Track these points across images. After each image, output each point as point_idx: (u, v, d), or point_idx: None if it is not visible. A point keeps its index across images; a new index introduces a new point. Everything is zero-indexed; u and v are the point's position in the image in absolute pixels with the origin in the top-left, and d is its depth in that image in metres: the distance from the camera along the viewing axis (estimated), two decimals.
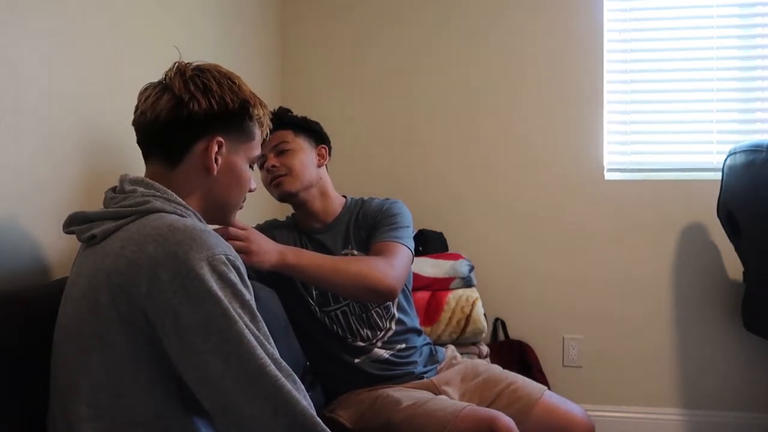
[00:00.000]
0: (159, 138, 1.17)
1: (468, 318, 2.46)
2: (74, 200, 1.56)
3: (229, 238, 1.44)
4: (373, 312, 1.88)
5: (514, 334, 2.86)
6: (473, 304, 2.49)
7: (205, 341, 0.96)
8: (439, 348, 2.04)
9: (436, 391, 1.85)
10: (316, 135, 1.93)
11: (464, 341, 2.49)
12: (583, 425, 1.82)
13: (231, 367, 0.96)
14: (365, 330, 1.87)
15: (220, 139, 1.17)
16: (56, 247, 1.49)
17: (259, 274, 1.78)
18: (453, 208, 2.92)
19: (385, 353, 1.86)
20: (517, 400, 1.82)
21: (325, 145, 1.94)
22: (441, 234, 2.81)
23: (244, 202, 1.30)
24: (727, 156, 2.45)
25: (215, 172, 1.18)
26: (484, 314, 2.54)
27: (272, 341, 1.04)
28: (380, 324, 1.89)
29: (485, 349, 2.52)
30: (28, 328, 1.14)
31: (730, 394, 2.76)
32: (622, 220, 2.83)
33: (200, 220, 1.17)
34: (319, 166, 1.90)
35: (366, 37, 3.00)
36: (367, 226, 1.88)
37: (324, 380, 1.92)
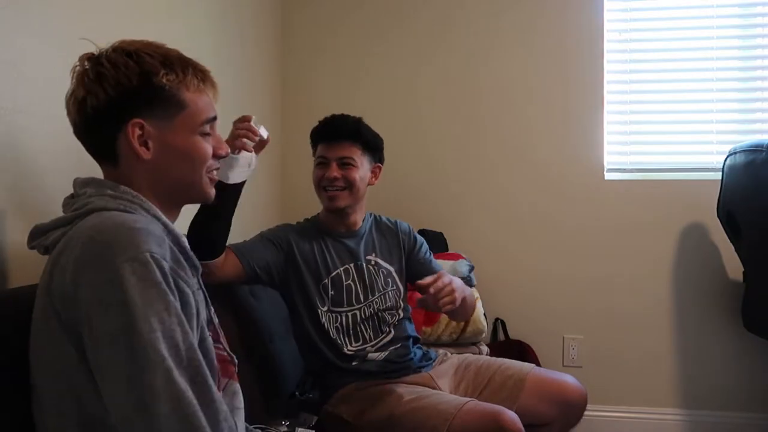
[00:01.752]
0: (86, 144, 1.13)
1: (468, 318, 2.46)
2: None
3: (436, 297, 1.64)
4: (386, 314, 1.94)
5: (514, 334, 2.86)
6: (473, 305, 2.48)
7: (111, 355, 0.91)
8: (430, 350, 2.08)
9: (434, 385, 1.88)
10: (378, 154, 2.02)
11: (464, 341, 2.49)
12: (576, 390, 1.87)
13: (135, 388, 0.90)
14: (368, 332, 1.91)
15: (137, 121, 1.08)
16: None
17: (271, 276, 1.85)
18: (453, 208, 2.92)
19: (380, 355, 1.90)
20: (509, 378, 1.87)
21: (380, 165, 2.02)
22: (441, 234, 2.81)
23: (216, 170, 1.21)
24: (727, 156, 2.45)
25: (150, 157, 1.10)
26: (484, 314, 2.54)
27: (200, 345, 0.99)
28: (383, 329, 1.93)
29: (485, 349, 2.51)
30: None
31: (730, 394, 2.76)
32: (621, 220, 2.83)
33: (147, 211, 1.08)
34: (370, 184, 1.99)
35: (367, 37, 3.00)
36: (395, 244, 2.04)
37: (324, 377, 1.94)
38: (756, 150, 2.24)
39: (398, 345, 1.93)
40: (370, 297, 1.92)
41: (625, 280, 2.83)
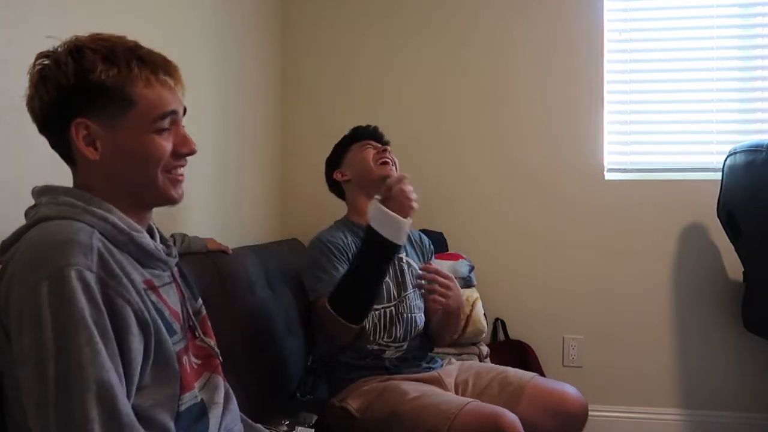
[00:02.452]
0: (50, 144, 1.09)
1: (468, 318, 2.46)
2: None
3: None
4: (416, 316, 1.99)
5: (514, 334, 2.86)
6: (473, 305, 2.49)
7: (25, 374, 0.89)
8: (436, 356, 2.11)
9: (442, 383, 1.90)
10: None
11: (464, 342, 2.48)
12: (577, 401, 1.84)
13: (40, 415, 0.87)
14: (399, 332, 1.95)
15: (81, 121, 1.03)
16: None
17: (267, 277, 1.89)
18: (453, 208, 2.92)
19: (395, 353, 1.94)
20: (508, 384, 1.87)
21: None
22: (441, 234, 2.81)
23: (181, 169, 1.12)
24: (727, 156, 2.45)
25: (98, 158, 1.04)
26: (484, 314, 2.54)
27: (157, 347, 0.98)
28: (412, 333, 1.98)
29: (485, 350, 2.52)
30: None
31: (730, 394, 2.76)
32: (622, 220, 2.83)
33: (93, 215, 1.02)
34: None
35: (366, 38, 3.00)
36: (420, 252, 2.14)
37: (333, 370, 1.96)
38: (756, 150, 2.24)
39: (416, 347, 1.99)
40: (402, 293, 1.97)
41: (625, 279, 2.83)
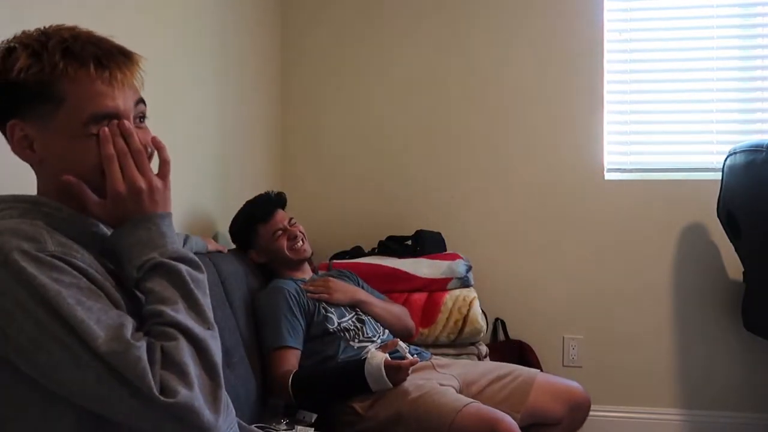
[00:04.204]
0: None
1: (465, 318, 2.45)
2: None
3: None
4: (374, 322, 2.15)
5: (514, 334, 2.86)
6: (470, 304, 2.48)
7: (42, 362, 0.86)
8: (423, 351, 2.18)
9: (438, 371, 1.99)
10: None
11: (463, 342, 2.48)
12: (583, 393, 1.99)
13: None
14: (371, 329, 2.10)
15: (14, 122, 0.97)
16: None
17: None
18: (452, 208, 2.92)
19: (379, 347, 2.01)
20: (518, 377, 1.94)
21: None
22: (439, 234, 2.81)
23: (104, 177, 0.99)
24: (727, 156, 2.45)
25: (39, 160, 0.99)
26: (484, 314, 2.54)
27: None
28: (379, 326, 2.14)
29: (484, 350, 2.51)
30: None
31: (730, 394, 2.76)
32: (622, 220, 2.83)
33: (29, 213, 0.97)
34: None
35: (366, 39, 3.00)
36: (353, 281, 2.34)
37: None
38: (756, 150, 2.24)
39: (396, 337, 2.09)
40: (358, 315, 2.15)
41: (625, 279, 2.82)
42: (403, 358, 1.83)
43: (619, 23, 2.87)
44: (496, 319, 2.87)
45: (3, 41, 0.99)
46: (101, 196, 0.99)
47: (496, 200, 2.91)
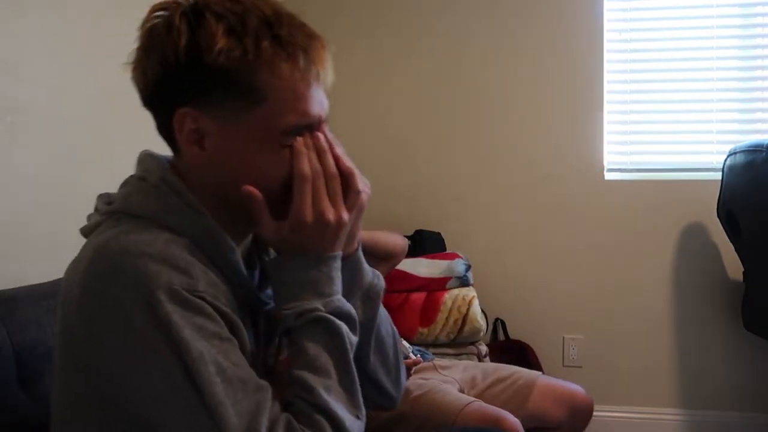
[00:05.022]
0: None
1: (465, 318, 2.45)
2: (74, 200, 1.56)
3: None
4: None
5: (514, 334, 2.86)
6: (470, 304, 2.48)
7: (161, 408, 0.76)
8: (426, 352, 2.14)
9: (440, 372, 1.95)
10: None
11: (462, 341, 2.48)
12: (585, 398, 1.95)
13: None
14: None
15: (187, 111, 0.81)
16: (56, 246, 1.49)
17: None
18: (451, 208, 2.92)
19: None
20: (518, 379, 1.91)
21: None
22: (439, 234, 2.81)
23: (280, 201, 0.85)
24: (727, 156, 2.45)
25: (200, 160, 0.83)
26: (484, 314, 2.54)
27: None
28: None
29: (484, 349, 2.51)
30: None
31: (730, 394, 2.76)
32: (621, 220, 2.83)
33: (181, 215, 0.83)
34: None
35: (365, 37, 3.00)
36: None
37: None
38: (756, 150, 2.24)
39: None
40: None
41: (625, 279, 2.82)
42: (406, 357, 1.83)
43: (619, 23, 2.87)
44: (496, 319, 2.87)
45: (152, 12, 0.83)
46: (274, 214, 0.84)
47: (495, 200, 2.91)
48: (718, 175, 2.51)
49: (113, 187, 1.59)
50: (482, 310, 2.54)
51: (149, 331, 0.73)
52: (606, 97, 2.84)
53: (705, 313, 2.78)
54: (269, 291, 0.91)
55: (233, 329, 0.79)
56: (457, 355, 2.41)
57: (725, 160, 2.45)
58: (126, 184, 0.88)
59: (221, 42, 0.77)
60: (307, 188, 0.82)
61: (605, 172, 2.85)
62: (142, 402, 0.76)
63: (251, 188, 0.82)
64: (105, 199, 0.89)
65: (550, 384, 1.93)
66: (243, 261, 0.87)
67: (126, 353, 0.75)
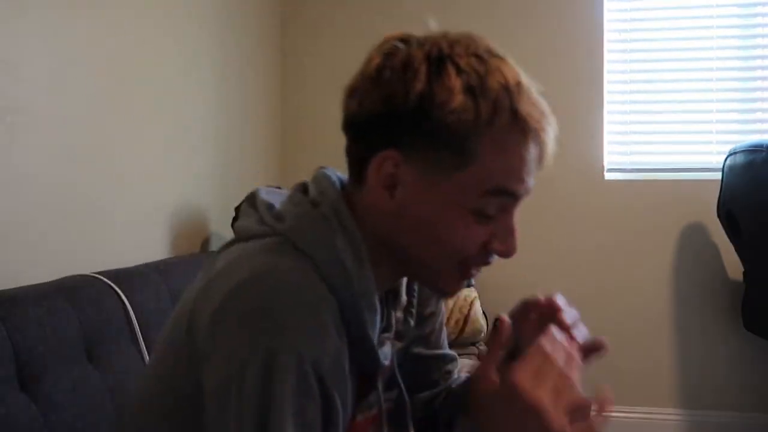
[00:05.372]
0: (346, 142, 0.83)
1: (466, 318, 2.46)
2: (74, 200, 1.56)
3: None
4: None
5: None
6: (471, 304, 2.49)
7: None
8: None
9: None
10: None
11: (463, 341, 2.49)
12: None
13: None
14: None
15: (392, 154, 0.75)
16: (55, 246, 1.49)
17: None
18: None
19: None
20: None
21: None
22: None
23: (481, 266, 0.84)
24: (727, 156, 2.45)
25: (386, 208, 0.77)
26: (484, 314, 2.54)
27: None
28: None
29: (484, 350, 2.51)
30: None
31: (730, 394, 2.76)
32: (621, 220, 2.83)
33: (343, 262, 0.75)
34: None
35: (364, 37, 2.98)
36: None
37: None
38: (756, 150, 2.24)
39: None
40: None
41: (625, 279, 2.82)
42: None
43: (619, 23, 2.87)
44: (497, 319, 2.87)
45: (423, 36, 0.81)
46: (448, 274, 0.80)
47: None
48: (718, 175, 2.51)
49: (113, 187, 1.59)
50: (483, 311, 2.54)
51: (252, 385, 0.68)
52: (606, 97, 2.84)
53: (705, 313, 2.78)
54: (386, 349, 0.84)
55: (329, 410, 0.72)
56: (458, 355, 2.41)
57: (725, 160, 2.45)
58: (298, 203, 0.81)
59: (457, 100, 0.73)
60: (542, 363, 0.75)
61: (605, 172, 2.85)
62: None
63: (505, 318, 0.82)
64: (273, 211, 0.81)
65: None
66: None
67: (219, 383, 0.70)
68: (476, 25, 3.12)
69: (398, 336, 0.89)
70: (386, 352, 0.84)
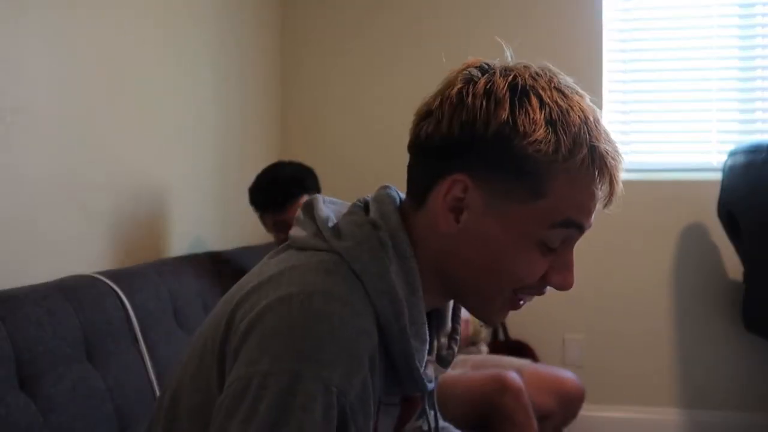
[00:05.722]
0: (409, 163, 0.84)
1: (466, 318, 2.46)
2: (73, 200, 1.56)
3: None
4: None
5: (514, 334, 2.86)
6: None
7: None
8: None
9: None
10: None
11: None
12: (574, 383, 1.88)
13: None
14: None
15: (462, 179, 0.76)
16: (56, 246, 1.49)
17: None
18: None
19: None
20: (505, 367, 1.87)
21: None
22: None
23: (531, 298, 0.86)
24: (728, 157, 2.45)
25: (449, 230, 0.77)
26: None
27: None
28: None
29: (484, 350, 2.51)
30: None
31: (730, 394, 2.76)
32: (621, 220, 2.80)
33: (394, 288, 0.75)
34: None
35: (363, 38, 3.00)
36: None
37: None
38: (756, 151, 2.24)
39: None
40: None
41: (625, 279, 2.82)
42: None
43: (619, 23, 2.87)
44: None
45: (502, 64, 0.84)
46: (499, 304, 0.81)
47: None
48: (718, 175, 2.51)
49: (112, 187, 1.59)
50: None
51: (269, 403, 0.67)
52: (606, 96, 2.84)
53: (705, 313, 2.78)
54: (429, 372, 0.83)
55: None
56: (457, 354, 2.41)
57: (726, 161, 2.46)
58: (359, 224, 0.80)
59: (540, 132, 0.73)
60: None
61: None
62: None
63: None
64: (331, 225, 0.81)
65: (536, 372, 1.89)
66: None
67: (236, 390, 0.69)
68: (476, 25, 3.13)
69: (440, 360, 0.89)
70: (430, 376, 0.84)
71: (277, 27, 3.00)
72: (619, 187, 0.79)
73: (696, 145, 2.86)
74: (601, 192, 0.77)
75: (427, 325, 0.79)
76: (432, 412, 0.91)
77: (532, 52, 3.21)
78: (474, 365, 1.98)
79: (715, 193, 2.52)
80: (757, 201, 2.23)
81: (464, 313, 0.93)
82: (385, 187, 0.86)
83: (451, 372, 1.73)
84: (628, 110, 2.88)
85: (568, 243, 0.80)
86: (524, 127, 0.74)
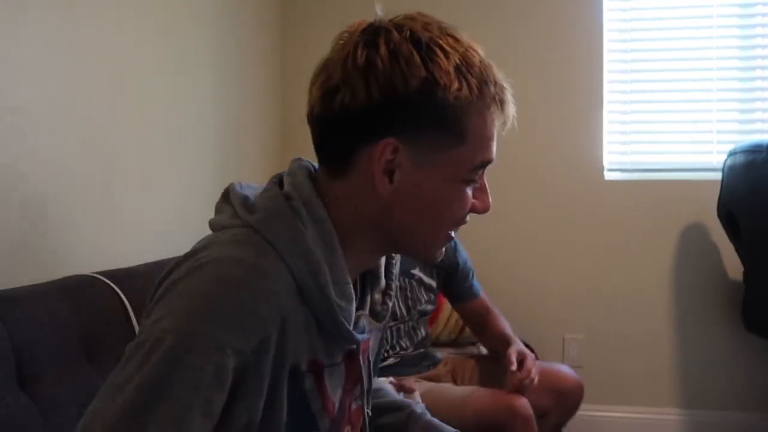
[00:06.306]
0: (315, 136, 0.85)
1: None
2: (73, 199, 1.56)
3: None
4: (419, 328, 2.00)
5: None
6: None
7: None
8: (436, 353, 2.11)
9: (441, 378, 1.95)
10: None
11: (463, 341, 2.49)
12: (572, 379, 1.88)
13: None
14: (405, 341, 1.96)
15: (393, 142, 0.78)
16: (55, 246, 1.48)
17: None
18: None
19: (395, 360, 1.94)
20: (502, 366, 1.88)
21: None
22: None
23: (457, 226, 0.90)
24: (728, 156, 2.45)
25: (385, 192, 0.80)
26: None
27: None
28: (415, 339, 1.98)
29: (484, 350, 2.51)
30: None
31: (731, 394, 2.76)
32: (621, 219, 2.83)
33: (312, 250, 0.78)
34: None
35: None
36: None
37: None
38: (756, 150, 2.24)
39: (416, 350, 1.99)
40: (412, 311, 1.96)
41: (625, 279, 2.82)
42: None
43: (619, 23, 2.87)
44: None
45: (387, 21, 0.84)
46: (439, 242, 0.87)
47: (495, 200, 2.89)
48: (718, 175, 2.51)
49: (113, 186, 1.60)
50: None
51: (158, 358, 0.70)
52: (606, 96, 2.84)
53: (705, 313, 2.78)
54: (362, 324, 0.86)
55: (255, 399, 0.75)
56: (457, 354, 2.41)
57: (725, 161, 2.46)
58: (273, 197, 0.82)
59: (454, 80, 0.77)
60: None
61: (605, 172, 2.85)
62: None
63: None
64: (247, 204, 0.83)
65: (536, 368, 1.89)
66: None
67: (135, 343, 0.74)
68: (476, 26, 3.13)
69: (375, 316, 0.92)
70: (362, 327, 0.87)
71: (277, 27, 2.99)
72: (514, 108, 0.86)
73: (696, 145, 2.86)
74: (503, 120, 0.85)
75: (351, 284, 0.81)
76: (366, 366, 0.92)
77: (532, 52, 3.24)
78: (472, 364, 1.97)
79: (715, 193, 2.52)
80: (757, 201, 2.23)
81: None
82: (298, 160, 0.88)
83: (459, 389, 1.74)
84: (628, 110, 2.88)
85: (482, 175, 0.88)
86: (441, 78, 0.77)
